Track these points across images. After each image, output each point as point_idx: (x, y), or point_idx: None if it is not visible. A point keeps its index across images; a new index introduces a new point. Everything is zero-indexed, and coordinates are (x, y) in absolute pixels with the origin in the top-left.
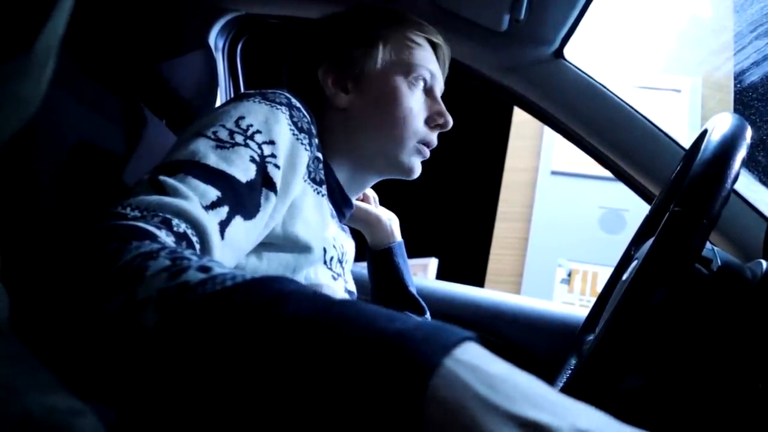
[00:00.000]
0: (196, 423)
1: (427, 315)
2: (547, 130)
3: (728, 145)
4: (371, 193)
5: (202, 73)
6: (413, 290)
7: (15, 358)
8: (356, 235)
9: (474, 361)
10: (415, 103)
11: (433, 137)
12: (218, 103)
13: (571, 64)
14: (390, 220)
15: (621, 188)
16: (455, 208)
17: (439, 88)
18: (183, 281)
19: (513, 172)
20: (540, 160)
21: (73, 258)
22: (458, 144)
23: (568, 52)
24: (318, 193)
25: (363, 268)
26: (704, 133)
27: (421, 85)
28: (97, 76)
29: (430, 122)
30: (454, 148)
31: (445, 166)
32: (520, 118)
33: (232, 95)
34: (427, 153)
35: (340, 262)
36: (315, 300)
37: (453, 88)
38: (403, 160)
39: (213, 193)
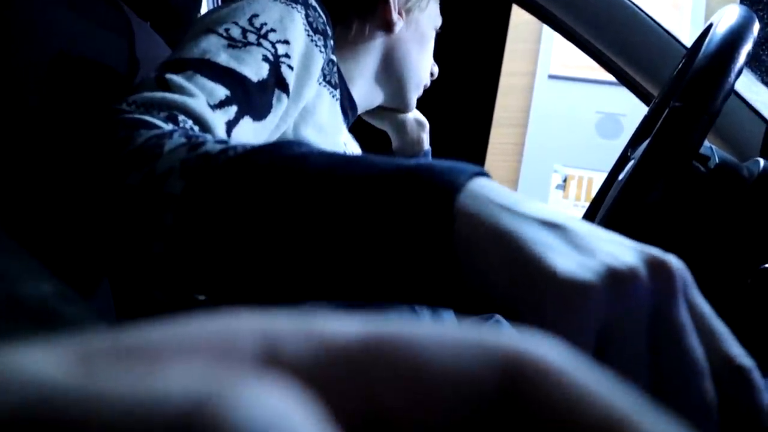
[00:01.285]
0: (230, 279)
1: None
2: (545, 33)
3: (733, 39)
4: None
5: None
6: None
7: (3, 247)
8: (370, 139)
9: (493, 184)
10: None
11: (428, 81)
12: (203, 5)
13: None
14: (420, 124)
15: (619, 93)
16: (451, 114)
17: None
18: (203, 151)
19: (510, 77)
20: (537, 64)
21: (82, 147)
22: (455, 48)
23: None
24: (333, 96)
25: None
26: (709, 27)
27: (434, 35)
28: None
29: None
30: (451, 52)
31: (441, 71)
32: (518, 18)
33: None
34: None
35: None
36: (334, 155)
37: None
38: (412, 98)
39: (222, 92)
